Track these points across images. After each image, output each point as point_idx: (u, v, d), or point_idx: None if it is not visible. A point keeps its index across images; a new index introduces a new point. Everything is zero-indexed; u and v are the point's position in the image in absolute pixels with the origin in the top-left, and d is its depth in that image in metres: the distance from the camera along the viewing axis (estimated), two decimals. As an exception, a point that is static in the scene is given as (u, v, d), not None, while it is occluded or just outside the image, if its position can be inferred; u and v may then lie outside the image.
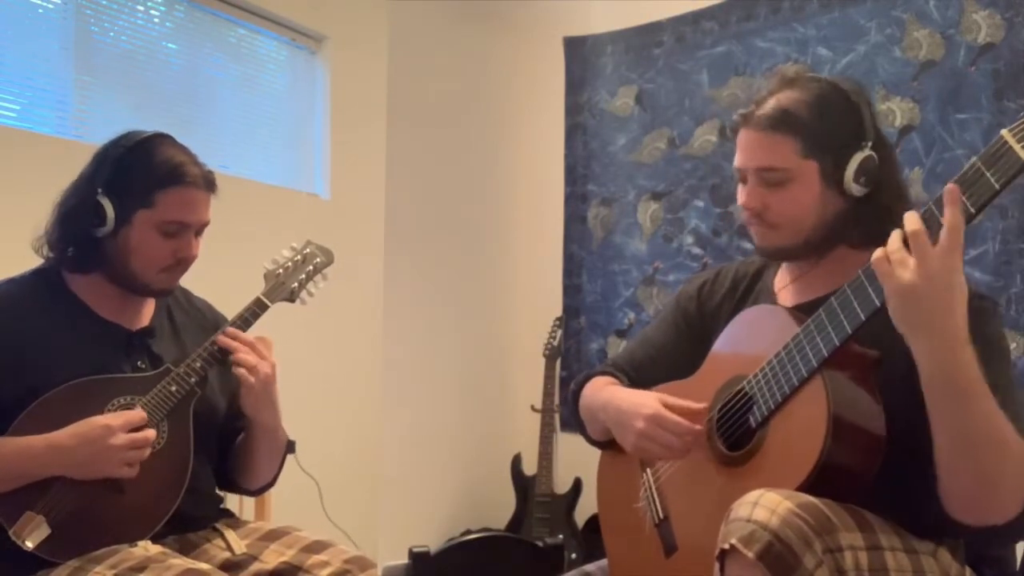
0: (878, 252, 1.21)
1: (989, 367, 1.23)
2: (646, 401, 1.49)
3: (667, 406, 1.47)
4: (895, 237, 1.21)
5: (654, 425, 1.45)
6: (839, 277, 1.39)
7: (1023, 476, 1.23)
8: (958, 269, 1.17)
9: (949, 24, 2.99)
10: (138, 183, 1.62)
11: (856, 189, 1.43)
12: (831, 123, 1.43)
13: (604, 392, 1.64)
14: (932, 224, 1.19)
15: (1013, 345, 2.81)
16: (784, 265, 1.60)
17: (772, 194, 1.46)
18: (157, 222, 1.62)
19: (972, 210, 1.18)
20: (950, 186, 1.18)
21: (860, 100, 1.46)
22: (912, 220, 1.19)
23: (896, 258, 1.19)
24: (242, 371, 1.63)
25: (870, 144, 1.43)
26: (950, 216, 1.16)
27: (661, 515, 1.53)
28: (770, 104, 1.46)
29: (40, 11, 2.68)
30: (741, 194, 1.51)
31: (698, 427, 1.44)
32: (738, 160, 1.50)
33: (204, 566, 1.48)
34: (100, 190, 1.61)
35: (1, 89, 2.57)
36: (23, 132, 2.59)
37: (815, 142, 1.43)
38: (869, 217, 1.44)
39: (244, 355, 1.63)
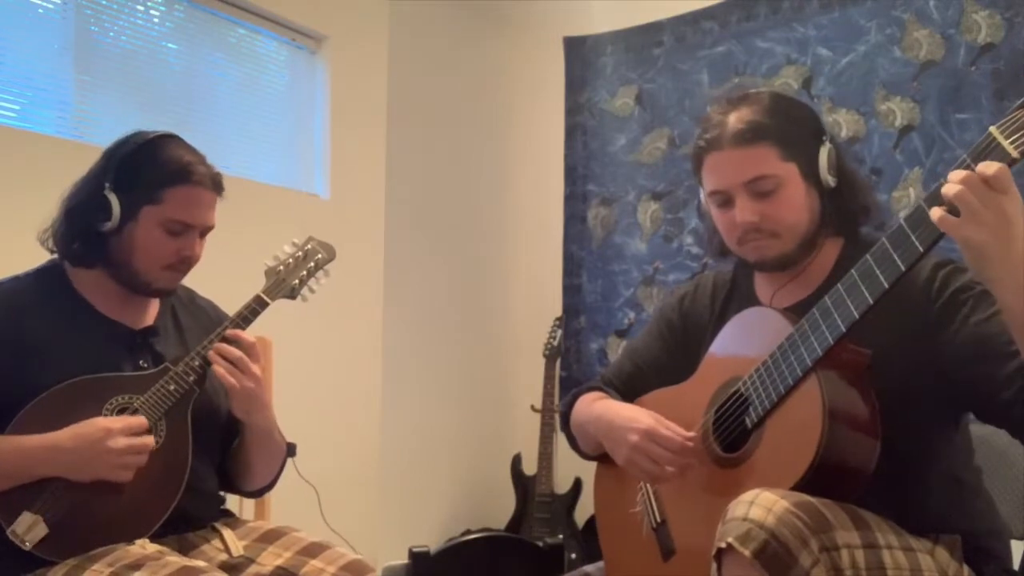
0: (936, 211, 1.14)
1: None
2: (639, 416, 1.51)
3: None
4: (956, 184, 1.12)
5: (647, 440, 1.47)
6: (817, 270, 1.49)
7: None
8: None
9: (949, 24, 2.99)
10: (146, 179, 1.62)
11: (831, 181, 1.48)
12: (794, 124, 1.48)
13: (595, 406, 1.65)
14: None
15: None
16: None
17: (767, 204, 1.47)
18: (163, 219, 1.63)
19: (1015, 155, 1.12)
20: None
21: (802, 100, 1.54)
22: (990, 164, 1.11)
23: (973, 207, 1.11)
24: (228, 379, 1.62)
25: (828, 137, 1.49)
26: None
27: (659, 519, 1.53)
28: (732, 122, 1.47)
29: (40, 11, 2.67)
30: (727, 217, 1.50)
31: (691, 443, 1.45)
32: (717, 183, 1.50)
33: (201, 563, 1.47)
34: (108, 185, 1.62)
35: (1, 89, 2.57)
36: (23, 132, 2.58)
37: (788, 145, 1.46)
38: (837, 207, 1.50)
39: (224, 368, 1.61)
